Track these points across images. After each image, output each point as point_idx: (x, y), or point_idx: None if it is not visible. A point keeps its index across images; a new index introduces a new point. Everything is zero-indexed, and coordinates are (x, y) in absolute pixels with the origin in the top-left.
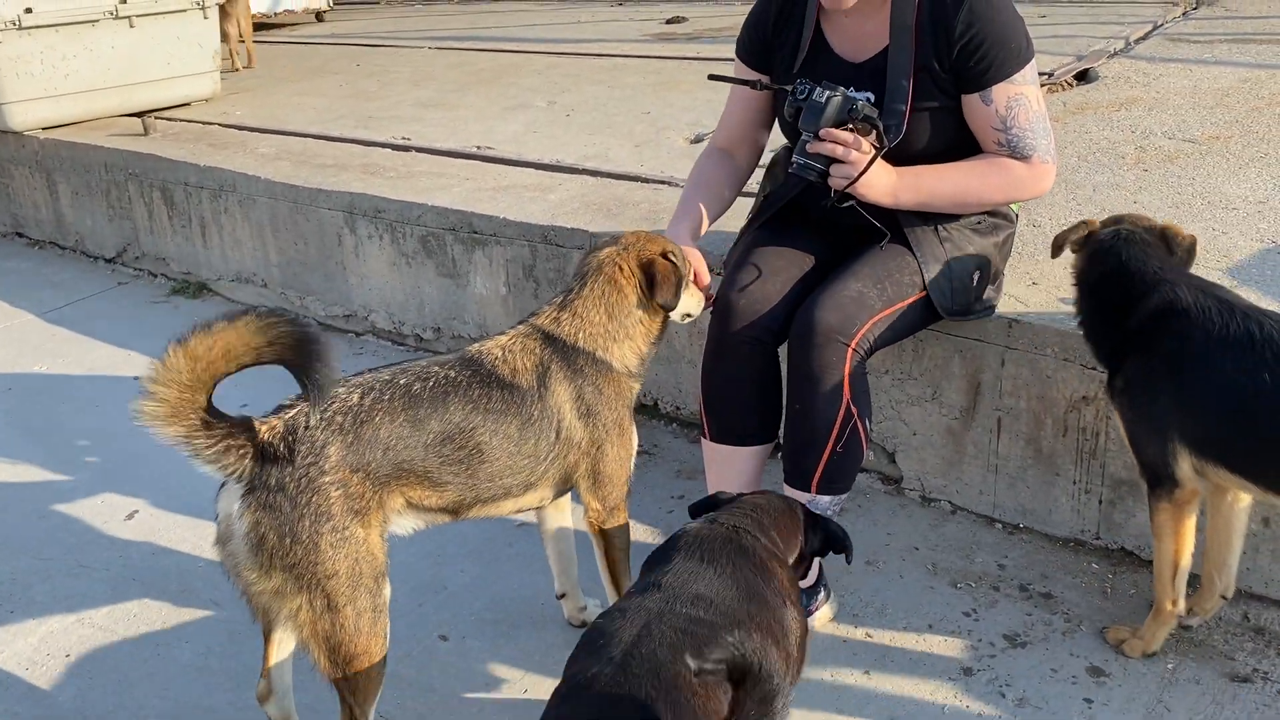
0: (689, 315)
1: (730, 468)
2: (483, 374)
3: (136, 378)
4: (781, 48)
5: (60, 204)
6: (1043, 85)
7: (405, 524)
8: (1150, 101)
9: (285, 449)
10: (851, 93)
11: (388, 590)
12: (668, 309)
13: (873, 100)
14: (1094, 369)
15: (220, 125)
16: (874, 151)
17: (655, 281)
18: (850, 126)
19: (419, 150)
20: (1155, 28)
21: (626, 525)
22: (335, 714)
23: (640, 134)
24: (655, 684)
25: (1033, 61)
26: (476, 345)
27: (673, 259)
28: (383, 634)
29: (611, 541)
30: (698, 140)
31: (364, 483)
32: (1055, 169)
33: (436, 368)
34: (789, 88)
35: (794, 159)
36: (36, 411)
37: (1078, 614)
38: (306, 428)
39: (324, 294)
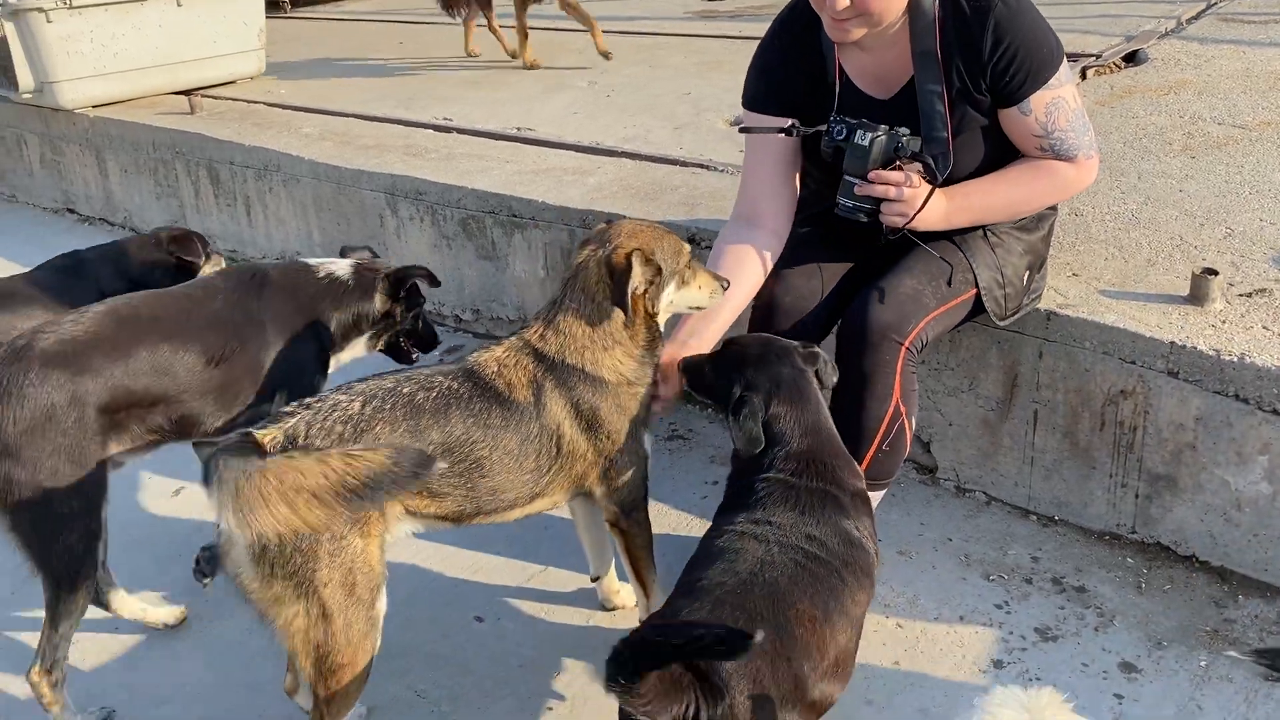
0: (696, 307)
1: None
2: (482, 388)
3: None
4: (802, 89)
5: (109, 181)
6: (1090, 67)
7: (405, 529)
8: (1200, 85)
9: None
10: (894, 129)
11: (383, 604)
12: (622, 310)
13: (910, 133)
14: (1133, 362)
15: (265, 104)
16: (926, 186)
17: (616, 285)
18: (898, 164)
19: (460, 131)
20: (1208, 6)
21: (646, 523)
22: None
23: (681, 115)
24: (770, 608)
25: (1064, 59)
26: (475, 356)
27: (632, 259)
28: (371, 647)
29: (631, 539)
30: (738, 123)
31: None
32: (1098, 159)
33: (440, 378)
34: (823, 128)
35: (840, 201)
36: None
37: (1111, 609)
38: (306, 436)
39: None
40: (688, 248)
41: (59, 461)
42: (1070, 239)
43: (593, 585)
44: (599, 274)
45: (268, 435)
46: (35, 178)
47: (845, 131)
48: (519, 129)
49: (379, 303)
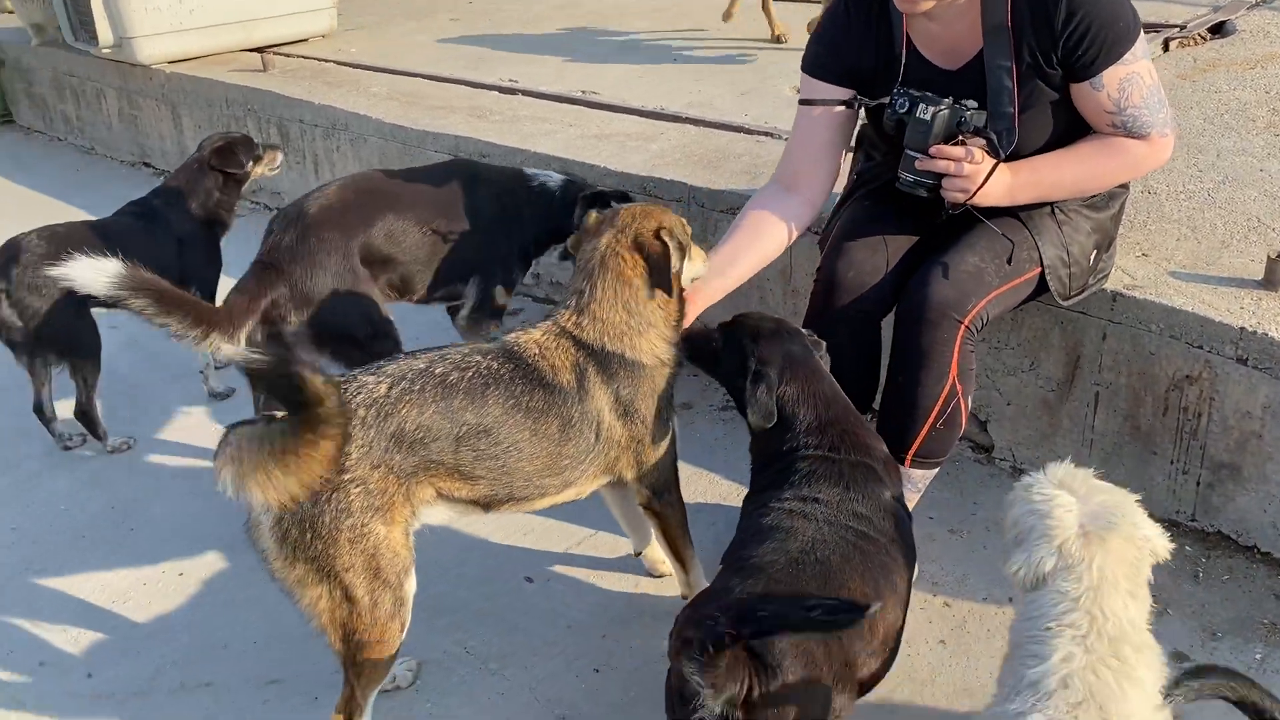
0: (694, 278)
1: None
2: (524, 370)
3: None
4: (869, 60)
5: (184, 136)
6: (1173, 39)
7: (440, 514)
8: None
9: None
10: (958, 103)
11: (411, 585)
12: (666, 291)
13: (977, 107)
14: (1200, 347)
15: (335, 63)
16: (989, 161)
17: (655, 268)
18: (960, 139)
19: (525, 94)
20: None
21: (679, 503)
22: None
23: (746, 81)
24: (822, 587)
25: (1141, 33)
26: (513, 336)
27: (664, 238)
28: (400, 625)
29: (666, 520)
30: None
31: (386, 478)
32: (1174, 137)
33: (478, 357)
34: (885, 101)
35: (901, 175)
36: (157, 336)
37: (1166, 597)
38: None
39: None
40: (681, 221)
41: (347, 304)
42: (1143, 218)
43: (638, 559)
44: (632, 259)
45: None
46: (114, 131)
47: (908, 105)
48: (584, 92)
49: (577, 219)
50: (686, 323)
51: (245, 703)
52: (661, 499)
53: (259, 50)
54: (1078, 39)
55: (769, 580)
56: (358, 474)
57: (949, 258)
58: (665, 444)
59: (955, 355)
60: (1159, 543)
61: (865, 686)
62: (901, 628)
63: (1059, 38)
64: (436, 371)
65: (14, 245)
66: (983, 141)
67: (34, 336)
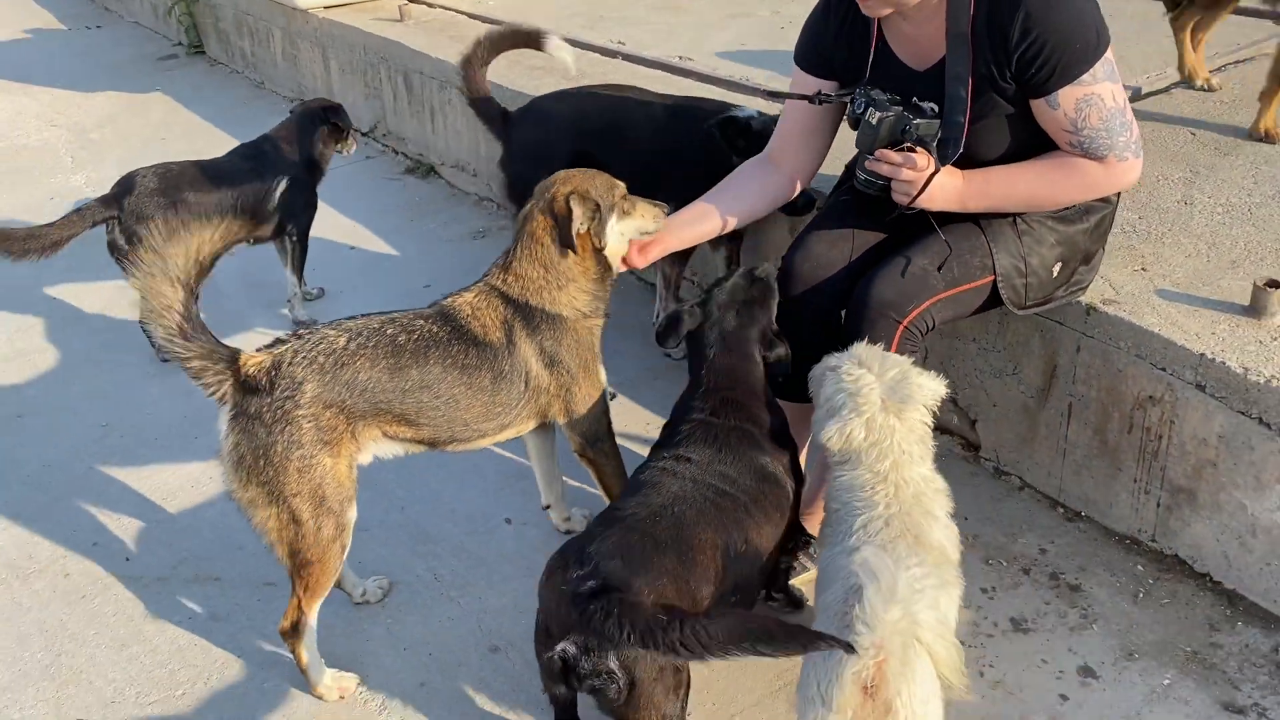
0: (645, 232)
1: (799, 422)
2: (459, 330)
3: (352, 248)
4: (843, 55)
5: (331, 78)
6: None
7: (385, 450)
8: None
9: (267, 381)
10: (915, 105)
11: (352, 513)
12: (570, 250)
13: (936, 110)
14: (1163, 369)
15: (468, 16)
16: (929, 169)
17: (561, 228)
18: (906, 145)
19: (625, 57)
20: None
21: (613, 453)
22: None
23: None
24: (674, 535)
25: (1106, 55)
26: (450, 299)
27: (571, 202)
28: (340, 547)
29: (600, 468)
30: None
31: (337, 417)
32: (1139, 163)
33: (421, 321)
34: (847, 99)
35: (857, 173)
36: (264, 268)
37: (1097, 612)
38: (290, 364)
39: None
40: (621, 184)
41: None
42: (1161, 229)
43: (544, 512)
44: (543, 221)
45: (255, 359)
46: (278, 68)
47: (862, 106)
48: (680, 58)
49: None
50: (645, 264)
51: (243, 598)
52: (595, 447)
53: None
54: (1031, 57)
55: (625, 530)
56: (311, 410)
57: (898, 258)
58: (594, 394)
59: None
60: (939, 390)
61: None
62: (758, 575)
63: (1013, 53)
64: (388, 332)
65: (130, 179)
66: (925, 150)
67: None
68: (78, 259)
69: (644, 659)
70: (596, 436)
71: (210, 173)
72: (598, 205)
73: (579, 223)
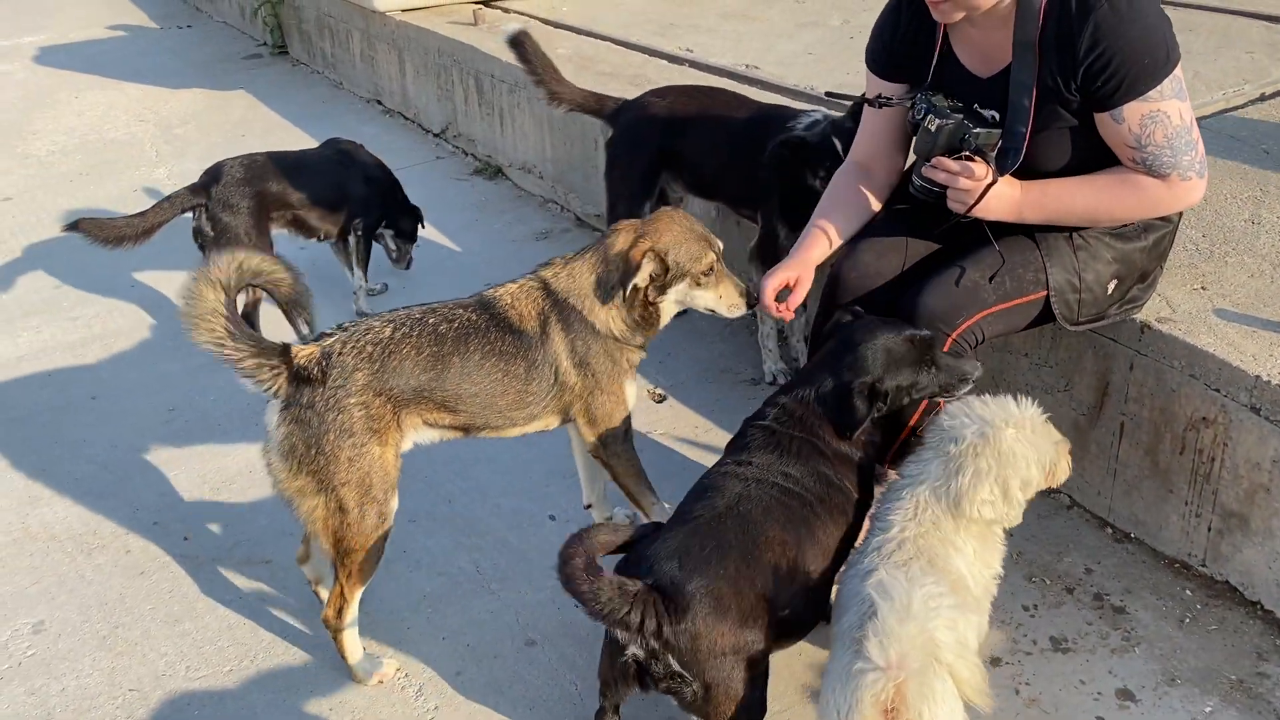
0: (710, 309)
1: None
2: (497, 319)
3: (417, 245)
4: (911, 58)
5: (406, 80)
6: None
7: (424, 437)
8: None
9: (320, 372)
10: (975, 113)
11: (395, 501)
12: (623, 296)
13: (998, 119)
14: (1217, 390)
15: (541, 21)
16: (987, 179)
17: (625, 273)
18: (964, 154)
19: (691, 65)
20: None
21: (626, 455)
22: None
23: None
24: (740, 535)
25: (1175, 72)
26: (492, 289)
27: (647, 258)
28: (383, 535)
29: (614, 469)
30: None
31: (385, 405)
32: (1202, 183)
33: (461, 310)
34: (908, 104)
35: (914, 179)
36: (334, 262)
37: (1140, 635)
38: (340, 354)
39: (582, 193)
40: (713, 255)
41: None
42: (1225, 247)
43: (587, 511)
44: (621, 253)
45: (305, 350)
46: (357, 69)
47: (923, 112)
48: (747, 67)
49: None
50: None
51: (290, 581)
52: (608, 449)
53: (484, 3)
54: (1099, 70)
55: (691, 530)
56: (363, 399)
57: (949, 271)
58: (615, 406)
59: None
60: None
61: (788, 630)
62: (825, 577)
63: (1080, 65)
64: (429, 321)
65: (218, 168)
66: (983, 159)
67: (219, 246)
68: (158, 249)
69: (713, 659)
70: (612, 440)
71: (296, 163)
72: (668, 270)
73: (640, 279)
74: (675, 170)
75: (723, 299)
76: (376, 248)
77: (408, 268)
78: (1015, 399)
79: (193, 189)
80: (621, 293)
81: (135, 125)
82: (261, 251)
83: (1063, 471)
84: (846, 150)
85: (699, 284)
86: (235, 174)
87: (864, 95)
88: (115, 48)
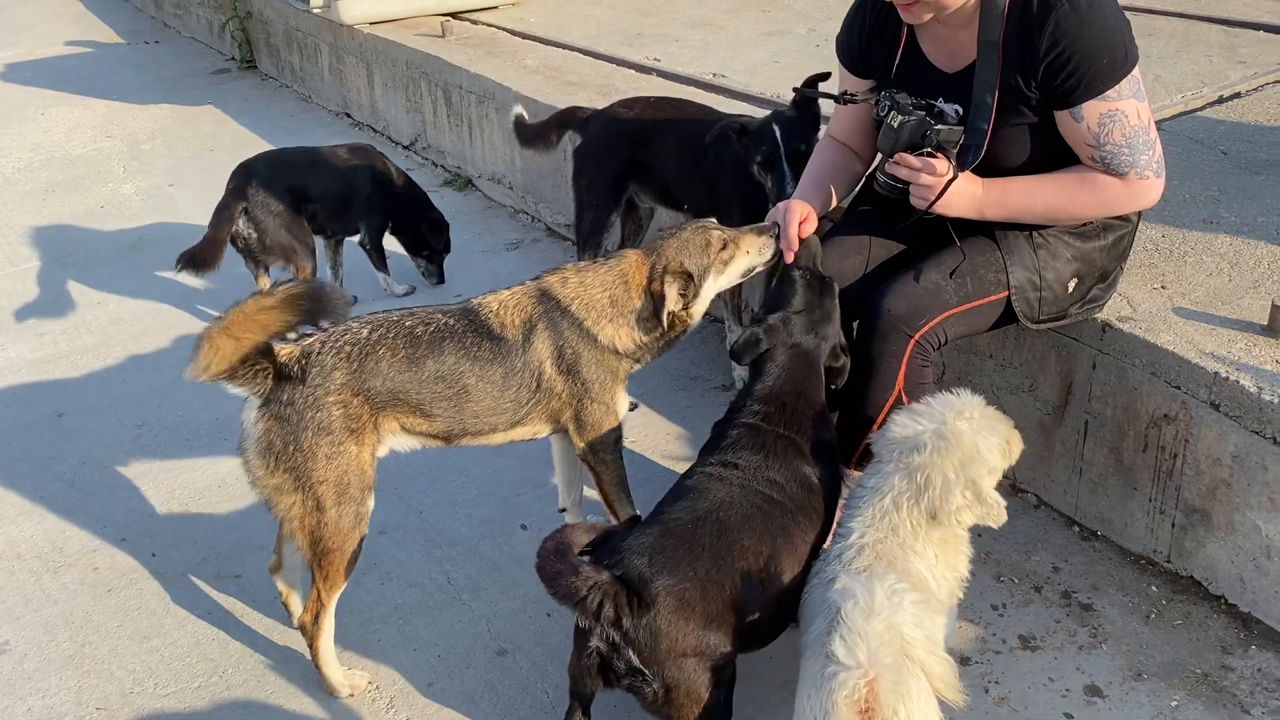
0: (752, 269)
1: None
2: (476, 324)
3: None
4: (877, 53)
5: (375, 93)
6: None
7: (402, 444)
8: None
9: (299, 370)
10: (938, 111)
11: (371, 502)
12: (663, 327)
13: (960, 114)
14: (1178, 388)
15: (508, 32)
16: (951, 173)
17: (656, 306)
18: (926, 150)
19: (659, 74)
20: None
21: (614, 463)
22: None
23: None
24: (715, 539)
25: (1133, 73)
26: (479, 298)
27: (667, 281)
28: (358, 536)
29: (599, 475)
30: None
31: (363, 405)
32: (1160, 182)
33: (440, 315)
34: (873, 100)
35: (878, 175)
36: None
37: (1108, 631)
38: (319, 353)
39: (552, 202)
40: (715, 235)
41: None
42: (1184, 247)
43: (560, 515)
44: (640, 281)
45: (286, 349)
46: (325, 83)
47: (886, 108)
48: (714, 75)
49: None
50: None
51: (261, 596)
52: (597, 455)
53: (451, 15)
54: (1058, 68)
55: (664, 533)
56: (341, 398)
57: (913, 271)
58: (606, 415)
59: (902, 368)
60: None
61: (756, 636)
62: (796, 585)
63: (1040, 63)
64: (406, 324)
65: (247, 169)
66: (945, 155)
67: (262, 246)
68: (120, 266)
69: (674, 659)
70: (602, 447)
71: (313, 159)
72: (690, 278)
73: (672, 304)
74: (642, 180)
75: (752, 251)
76: (346, 254)
77: (439, 281)
78: (952, 392)
79: (233, 194)
80: (660, 326)
81: (102, 141)
82: (308, 251)
83: (1016, 447)
84: (785, 139)
85: (725, 263)
86: (265, 174)
87: (807, 82)
88: (82, 64)
